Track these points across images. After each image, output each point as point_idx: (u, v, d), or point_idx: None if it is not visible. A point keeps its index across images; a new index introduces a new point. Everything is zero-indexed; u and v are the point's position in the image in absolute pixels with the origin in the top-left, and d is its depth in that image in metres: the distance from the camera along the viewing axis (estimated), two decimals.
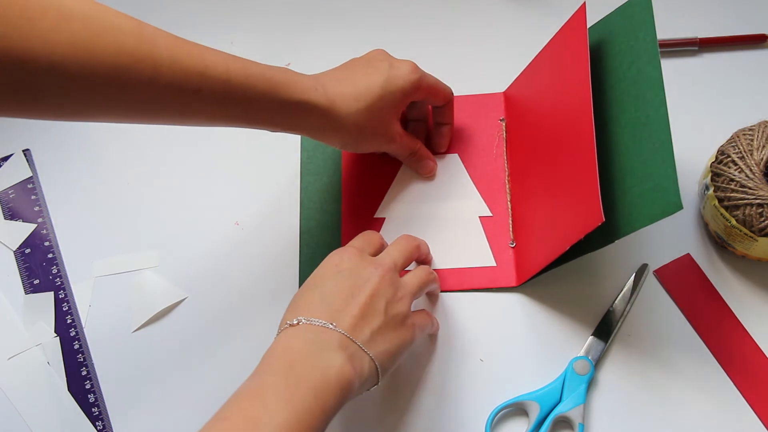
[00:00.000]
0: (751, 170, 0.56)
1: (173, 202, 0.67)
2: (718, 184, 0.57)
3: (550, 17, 0.70)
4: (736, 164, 0.56)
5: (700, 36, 0.69)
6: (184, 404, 0.60)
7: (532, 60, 0.65)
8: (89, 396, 0.60)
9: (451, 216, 0.64)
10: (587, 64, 0.55)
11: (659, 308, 0.60)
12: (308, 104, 0.54)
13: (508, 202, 0.64)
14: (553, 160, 0.59)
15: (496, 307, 0.61)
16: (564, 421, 0.57)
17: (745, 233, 0.56)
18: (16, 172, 0.69)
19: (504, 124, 0.68)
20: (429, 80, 0.61)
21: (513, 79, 0.68)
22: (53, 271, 0.64)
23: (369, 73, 0.58)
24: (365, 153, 0.66)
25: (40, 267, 0.65)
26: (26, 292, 0.64)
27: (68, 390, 0.60)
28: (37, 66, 0.42)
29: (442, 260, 0.63)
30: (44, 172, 0.69)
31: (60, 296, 0.63)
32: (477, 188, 0.65)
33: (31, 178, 0.69)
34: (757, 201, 0.55)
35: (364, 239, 0.57)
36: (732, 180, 0.56)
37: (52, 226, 0.66)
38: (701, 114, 0.66)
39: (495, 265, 0.62)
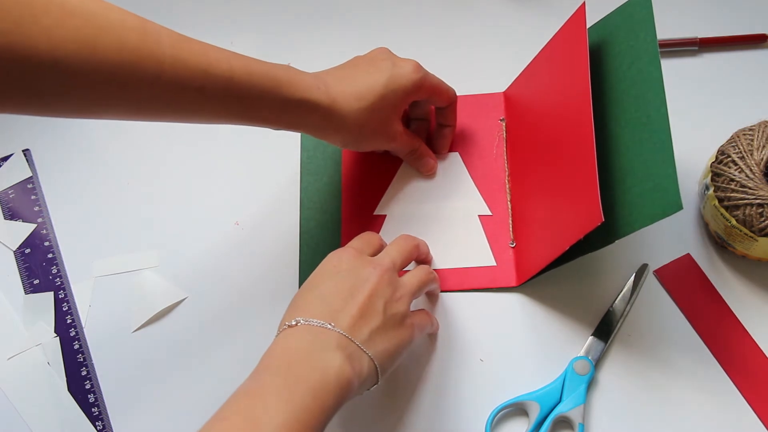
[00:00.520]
0: (751, 170, 0.56)
1: (173, 202, 0.67)
2: (718, 184, 0.57)
3: (550, 17, 0.70)
4: (736, 164, 0.56)
5: (700, 36, 0.69)
6: (184, 404, 0.60)
7: (532, 60, 0.65)
8: (89, 396, 0.60)
9: (451, 215, 0.64)
10: (587, 64, 0.55)
11: (659, 308, 0.60)
12: (310, 103, 0.54)
13: (508, 202, 0.64)
14: (553, 160, 0.59)
15: (496, 307, 0.61)
16: (564, 421, 0.57)
17: (745, 233, 0.56)
18: (16, 172, 0.69)
19: (504, 124, 0.68)
20: (432, 80, 0.61)
21: (513, 79, 0.68)
22: (53, 271, 0.64)
23: (371, 72, 0.58)
24: (366, 152, 0.66)
25: (40, 267, 0.65)
26: (26, 292, 0.64)
27: (68, 390, 0.60)
28: (40, 62, 0.42)
29: (442, 259, 0.63)
30: (44, 172, 0.69)
31: (60, 296, 0.63)
32: (477, 188, 0.65)
33: (31, 178, 0.69)
34: (757, 201, 0.55)
35: (363, 240, 0.57)
36: (732, 180, 0.56)
37: (52, 226, 0.66)
38: (701, 114, 0.66)
39: (495, 264, 0.62)
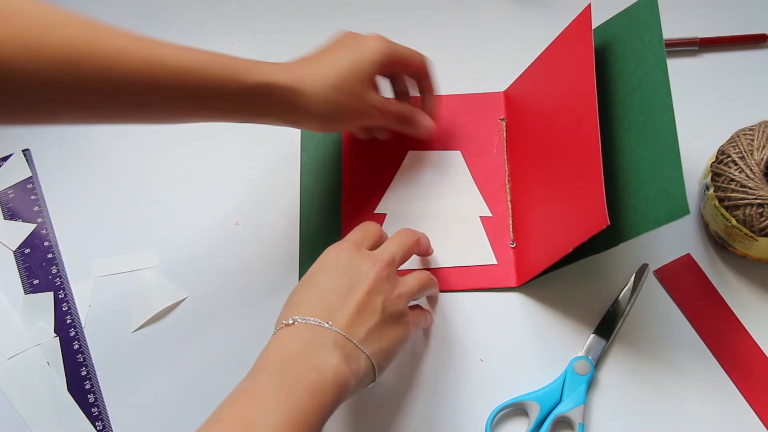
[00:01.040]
0: (751, 170, 0.56)
1: (173, 202, 0.67)
2: (719, 184, 0.57)
3: (550, 17, 0.70)
4: (736, 164, 0.56)
5: (700, 36, 0.69)
6: (183, 404, 0.60)
7: (535, 60, 0.65)
8: (89, 396, 0.60)
9: (452, 213, 0.64)
10: (592, 66, 0.55)
11: (659, 308, 0.60)
12: (271, 86, 0.52)
13: (508, 202, 0.64)
14: (555, 160, 0.59)
15: (496, 307, 0.61)
16: (564, 421, 0.57)
17: (745, 233, 0.56)
18: (15, 172, 0.69)
19: (504, 124, 0.68)
20: (400, 50, 0.59)
21: (513, 79, 0.68)
22: (53, 271, 0.64)
23: (337, 52, 0.57)
24: (366, 151, 0.66)
25: (39, 267, 0.65)
26: (26, 292, 0.64)
27: (68, 390, 0.60)
28: None
29: (442, 258, 0.63)
30: (44, 172, 0.69)
31: (60, 296, 0.63)
32: (477, 187, 0.65)
33: (30, 178, 0.69)
34: (758, 201, 0.55)
35: (362, 232, 0.56)
36: (732, 180, 0.56)
37: (51, 226, 0.66)
38: (701, 114, 0.66)
39: (496, 263, 0.62)
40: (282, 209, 0.66)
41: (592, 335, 0.59)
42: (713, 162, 0.58)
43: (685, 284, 0.61)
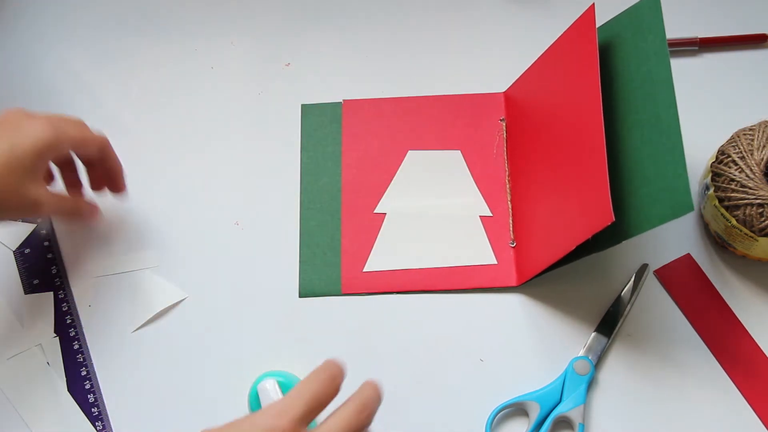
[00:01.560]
0: (751, 170, 0.56)
1: (173, 202, 0.67)
2: (719, 184, 0.57)
3: (550, 17, 0.70)
4: (736, 164, 0.56)
5: (700, 36, 0.69)
6: (183, 404, 0.60)
7: (536, 60, 0.65)
8: (89, 396, 0.60)
9: (452, 213, 0.64)
10: (596, 65, 0.55)
11: (659, 308, 0.60)
12: None
13: (509, 202, 0.64)
14: (558, 159, 0.59)
15: (496, 307, 0.61)
16: (564, 422, 0.57)
17: (745, 233, 0.56)
18: None
19: (504, 124, 0.68)
20: (70, 133, 0.55)
21: (513, 80, 0.68)
22: (53, 271, 0.64)
23: None
24: (366, 152, 0.66)
25: (39, 267, 0.65)
26: (26, 292, 0.64)
27: (68, 390, 0.60)
28: None
29: (442, 258, 0.63)
30: None
31: (59, 296, 0.63)
32: (477, 187, 0.65)
33: None
34: (758, 201, 0.55)
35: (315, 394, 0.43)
36: (732, 180, 0.56)
37: (51, 226, 0.66)
38: (701, 114, 0.66)
39: (496, 263, 0.62)
40: (282, 209, 0.66)
41: (592, 335, 0.59)
42: (713, 162, 0.58)
43: (685, 284, 0.61)
